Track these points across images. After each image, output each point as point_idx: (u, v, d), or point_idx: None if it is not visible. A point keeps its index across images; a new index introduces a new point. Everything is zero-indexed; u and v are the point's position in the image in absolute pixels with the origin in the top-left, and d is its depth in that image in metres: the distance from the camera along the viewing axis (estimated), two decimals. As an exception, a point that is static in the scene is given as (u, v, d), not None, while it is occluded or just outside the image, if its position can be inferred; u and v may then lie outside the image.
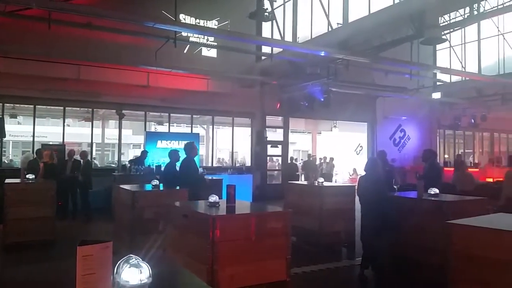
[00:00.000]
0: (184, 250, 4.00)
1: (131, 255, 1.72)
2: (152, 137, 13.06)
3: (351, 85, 14.26)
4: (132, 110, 13.97)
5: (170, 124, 14.58)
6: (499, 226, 3.32)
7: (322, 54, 10.63)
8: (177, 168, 7.34)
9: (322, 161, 18.14)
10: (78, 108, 14.73)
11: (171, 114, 14.38)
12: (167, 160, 12.54)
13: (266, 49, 13.79)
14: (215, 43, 13.18)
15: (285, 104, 14.56)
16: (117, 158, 14.54)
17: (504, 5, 13.36)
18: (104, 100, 12.64)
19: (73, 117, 17.73)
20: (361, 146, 19.65)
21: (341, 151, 19.60)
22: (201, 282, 1.90)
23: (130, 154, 19.92)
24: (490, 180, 17.38)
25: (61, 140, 12.59)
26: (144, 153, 11.45)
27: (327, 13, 12.13)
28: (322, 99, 13.15)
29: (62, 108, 12.74)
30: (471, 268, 3.19)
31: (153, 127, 17.47)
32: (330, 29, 11.99)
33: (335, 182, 17.01)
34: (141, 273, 1.67)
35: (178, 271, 2.16)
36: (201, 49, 13.62)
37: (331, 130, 20.08)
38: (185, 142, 7.63)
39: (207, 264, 3.50)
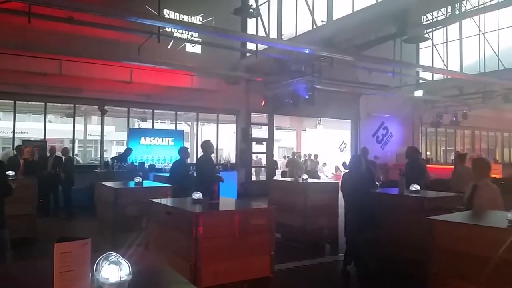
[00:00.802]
0: (167, 247, 3.98)
1: (110, 252, 1.70)
2: (135, 133, 12.93)
3: (335, 82, 14.34)
4: (115, 106, 13.79)
5: (154, 121, 14.45)
6: (478, 222, 3.39)
7: (307, 51, 10.66)
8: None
9: (307, 158, 18.23)
10: (59, 104, 14.46)
11: (155, 111, 14.24)
12: (152, 157, 12.52)
13: (251, 46, 13.78)
14: (200, 39, 13.10)
15: (270, 101, 14.56)
16: (100, 155, 14.35)
17: (485, 5, 13.60)
18: (86, 96, 12.45)
19: (54, 113, 17.42)
20: (345, 143, 19.80)
21: (325, 148, 19.71)
22: (182, 279, 1.88)
23: (113, 151, 19.70)
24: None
25: (43, 136, 12.36)
26: (128, 150, 11.33)
27: (312, 11, 12.17)
28: (307, 97, 13.19)
29: (43, 103, 12.50)
30: (451, 263, 3.24)
31: (136, 124, 17.30)
32: (314, 27, 12.04)
33: (325, 178, 17.15)
34: (120, 270, 1.65)
35: (159, 268, 2.15)
36: (185, 45, 13.50)
37: (316, 127, 20.20)
38: (203, 140, 7.98)
39: (190, 261, 3.49)
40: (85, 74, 11.79)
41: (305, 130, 22.01)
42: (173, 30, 12.41)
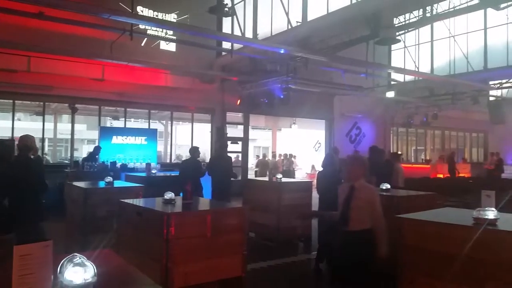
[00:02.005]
0: (137, 249, 3.92)
1: (75, 254, 1.66)
2: (106, 132, 12.67)
3: (309, 83, 14.46)
4: (86, 104, 13.49)
5: (127, 119, 14.21)
6: (446, 220, 3.47)
7: (282, 51, 10.71)
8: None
9: (282, 157, 18.32)
10: (28, 102, 14.04)
11: (128, 109, 14.01)
12: (124, 156, 12.30)
13: (226, 45, 13.73)
14: (174, 37, 12.95)
15: (245, 101, 14.54)
16: (70, 154, 14.00)
17: (455, 8, 13.99)
18: (56, 94, 12.10)
19: (23, 111, 16.91)
20: (319, 143, 20.02)
21: (300, 147, 19.88)
22: (149, 281, 1.85)
23: (84, 150, 19.28)
24: (441, 176, 18.25)
25: (11, 135, 11.96)
26: (97, 149, 11.08)
27: (287, 11, 12.23)
28: (282, 96, 13.25)
29: (11, 101, 12.10)
30: (420, 261, 3.31)
31: (108, 122, 16.98)
32: (289, 27, 12.09)
33: (303, 177, 17.25)
34: (85, 272, 1.62)
35: (127, 270, 2.11)
36: (159, 42, 13.34)
37: (291, 127, 20.33)
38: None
39: (160, 262, 3.45)
40: (55, 71, 11.48)
41: (281, 130, 22.13)
42: (146, 27, 12.24)
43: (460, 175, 18.55)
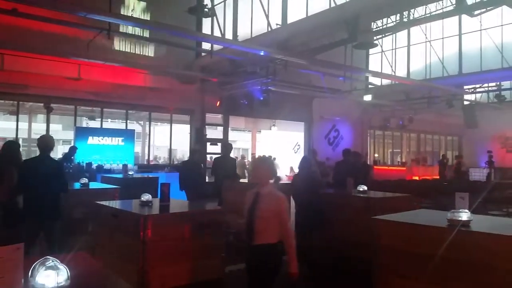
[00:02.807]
0: (113, 251, 3.86)
1: (48, 257, 1.62)
2: (82, 132, 12.43)
3: (289, 85, 14.54)
4: (61, 104, 13.18)
5: (104, 120, 13.98)
6: (421, 221, 3.54)
7: (262, 53, 10.72)
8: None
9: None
10: (2, 101, 13.65)
11: (104, 109, 13.77)
12: (100, 157, 12.09)
13: (206, 46, 13.66)
14: (153, 37, 12.80)
15: (225, 102, 14.51)
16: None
17: (431, 14, 14.32)
18: (31, 93, 11.80)
19: (-4, 110, 16.44)
20: (298, 145, 20.12)
21: (280, 149, 19.94)
22: (124, 283, 1.82)
23: (59, 150, 18.84)
24: (416, 178, 18.63)
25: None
26: (73, 149, 10.85)
27: (267, 13, 12.27)
28: (262, 98, 13.28)
29: (-17, 100, 11.75)
30: (394, 261, 3.37)
31: (84, 122, 16.67)
32: (269, 29, 12.13)
33: (282, 179, 17.24)
34: (58, 275, 1.58)
35: (101, 272, 2.06)
36: (138, 41, 13.16)
37: (270, 129, 20.37)
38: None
39: (137, 265, 3.40)
40: (30, 69, 11.17)
41: (260, 132, 22.15)
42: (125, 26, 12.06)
43: (435, 177, 19.01)
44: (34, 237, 4.41)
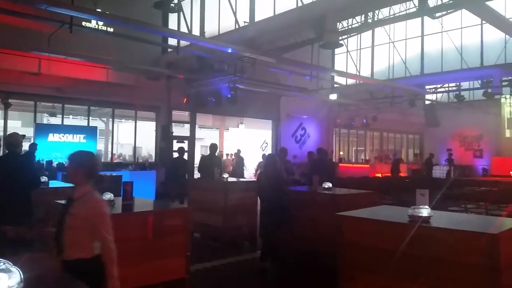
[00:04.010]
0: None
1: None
2: (43, 129, 11.98)
3: (257, 83, 14.56)
4: (20, 100, 12.67)
5: (65, 116, 13.52)
6: (383, 218, 3.62)
7: (230, 51, 10.67)
8: None
9: (229, 157, 18.28)
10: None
11: (66, 105, 13.33)
12: (61, 155, 11.69)
13: (172, 42, 13.45)
14: (117, 31, 12.47)
15: (192, 99, 14.35)
16: (2, 152, 13.05)
17: (395, 15, 14.71)
18: (-13, 87, 11.27)
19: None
20: (266, 143, 20.21)
21: (248, 147, 19.96)
22: (81, 285, 1.76)
23: (18, 148, 18.08)
24: (379, 175, 19.12)
25: None
26: (33, 146, 10.43)
27: (235, 11, 12.22)
28: (229, 96, 13.22)
29: None
30: (358, 257, 3.43)
31: (45, 119, 16.07)
32: (237, 27, 12.09)
33: (250, 176, 17.23)
34: (10, 278, 1.50)
35: (57, 274, 1.98)
36: (101, 36, 12.78)
37: (238, 127, 20.36)
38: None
39: (98, 266, 3.30)
40: (-14, 63, 10.67)
41: (228, 129, 22.09)
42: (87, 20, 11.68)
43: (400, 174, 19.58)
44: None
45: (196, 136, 16.53)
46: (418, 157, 22.09)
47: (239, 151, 17.20)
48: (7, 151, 4.88)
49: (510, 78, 14.82)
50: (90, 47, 11.89)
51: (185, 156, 10.99)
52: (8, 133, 12.64)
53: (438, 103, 19.28)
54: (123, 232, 3.39)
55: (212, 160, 9.16)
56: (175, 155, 11.05)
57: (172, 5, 10.67)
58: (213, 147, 9.56)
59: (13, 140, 4.84)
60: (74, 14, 8.78)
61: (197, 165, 9.71)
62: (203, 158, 9.94)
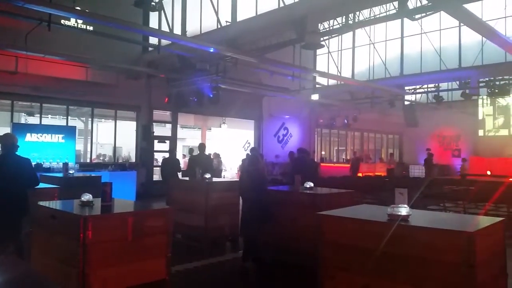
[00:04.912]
0: (52, 254, 3.66)
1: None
2: (20, 129, 11.65)
3: (239, 83, 14.55)
4: (-4, 99, 12.35)
5: (43, 116, 13.23)
6: (362, 216, 3.65)
7: (212, 50, 10.63)
8: None
9: (212, 157, 18.17)
10: None
11: (44, 105, 13.05)
12: (39, 155, 11.46)
13: (153, 40, 13.33)
14: (97, 30, 12.27)
15: (173, 99, 14.25)
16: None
17: (375, 16, 14.90)
18: (-38, 86, 10.95)
19: None
20: (248, 143, 20.19)
21: (230, 147, 19.91)
22: (55, 285, 1.72)
23: (-6, 148, 17.62)
24: (360, 174, 19.33)
25: None
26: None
27: (216, 10, 12.18)
28: (211, 95, 13.18)
29: None
30: (338, 256, 3.45)
31: (22, 119, 15.70)
32: (219, 26, 12.05)
33: (233, 176, 17.20)
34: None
35: (35, 277, 1.93)
36: (80, 34, 12.56)
37: (220, 127, 20.29)
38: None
39: (77, 268, 3.25)
40: (-40, 61, 10.37)
41: (210, 129, 21.99)
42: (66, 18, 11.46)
43: (377, 174, 19.85)
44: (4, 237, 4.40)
45: (178, 136, 16.41)
46: (393, 157, 22.64)
47: (218, 155, 17.29)
48: (4, 151, 4.99)
49: (487, 79, 15.18)
50: (69, 46, 11.68)
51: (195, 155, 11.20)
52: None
53: (417, 103, 19.61)
54: (102, 233, 3.34)
55: (202, 158, 9.41)
56: (166, 155, 11.78)
57: (153, 3, 10.55)
58: (201, 146, 9.86)
59: (3, 141, 5.00)
60: (52, 11, 8.61)
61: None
62: (192, 157, 10.26)
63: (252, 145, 19.05)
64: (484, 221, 3.75)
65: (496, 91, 14.92)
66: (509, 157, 19.32)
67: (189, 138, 25.34)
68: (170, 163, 10.49)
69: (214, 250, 6.96)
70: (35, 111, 14.05)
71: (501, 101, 21.13)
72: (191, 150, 12.00)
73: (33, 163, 10.66)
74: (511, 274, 3.39)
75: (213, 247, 7.08)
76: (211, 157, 17.94)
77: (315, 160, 19.25)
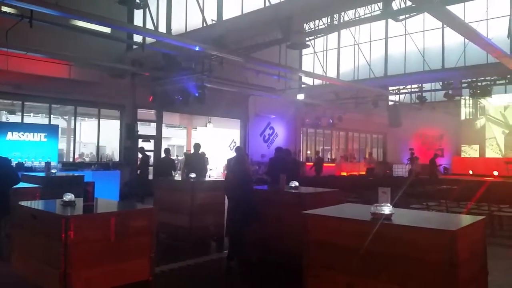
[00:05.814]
0: (33, 255, 3.60)
1: None
2: (1, 128, 11.45)
3: (225, 82, 14.50)
4: (-24, 97, 12.08)
5: (25, 114, 13.00)
6: (346, 215, 3.67)
7: (197, 49, 10.58)
8: None
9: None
10: None
11: (26, 103, 12.82)
12: (20, 154, 11.28)
13: (138, 38, 13.17)
14: (80, 27, 12.08)
15: (158, 97, 14.11)
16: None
17: (360, 17, 15.02)
18: None
19: None
20: (234, 142, 20.17)
21: (216, 146, 19.86)
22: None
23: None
24: (344, 173, 19.50)
25: None
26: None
27: (202, 9, 12.11)
28: (197, 94, 13.10)
29: None
30: (322, 254, 3.46)
31: (4, 117, 15.41)
32: (204, 25, 11.99)
33: (218, 176, 17.13)
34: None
35: (13, 278, 1.90)
36: (63, 32, 12.35)
37: (206, 126, 20.22)
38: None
39: (59, 269, 3.20)
40: None
41: (196, 128, 21.89)
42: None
43: (361, 173, 20.04)
44: None
45: (163, 135, 16.29)
46: (372, 156, 23.23)
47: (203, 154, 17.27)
48: None
49: (469, 80, 15.44)
50: (52, 43, 11.48)
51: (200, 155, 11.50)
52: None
53: (401, 104, 19.85)
54: (84, 234, 3.29)
55: (196, 157, 9.84)
56: (163, 154, 12.42)
57: (137, 1, 10.43)
58: (196, 146, 10.17)
59: None
60: (34, 8, 8.45)
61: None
62: (187, 156, 10.70)
63: (238, 144, 19.05)
64: (466, 219, 3.81)
65: (478, 91, 15.19)
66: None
67: (174, 137, 25.21)
68: (165, 163, 10.97)
69: (200, 249, 6.93)
70: (16, 109, 13.81)
71: (483, 101, 21.57)
72: (167, 151, 12.11)
73: (15, 162, 10.61)
74: (491, 271, 3.45)
75: (199, 246, 7.05)
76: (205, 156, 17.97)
77: (299, 159, 19.31)
